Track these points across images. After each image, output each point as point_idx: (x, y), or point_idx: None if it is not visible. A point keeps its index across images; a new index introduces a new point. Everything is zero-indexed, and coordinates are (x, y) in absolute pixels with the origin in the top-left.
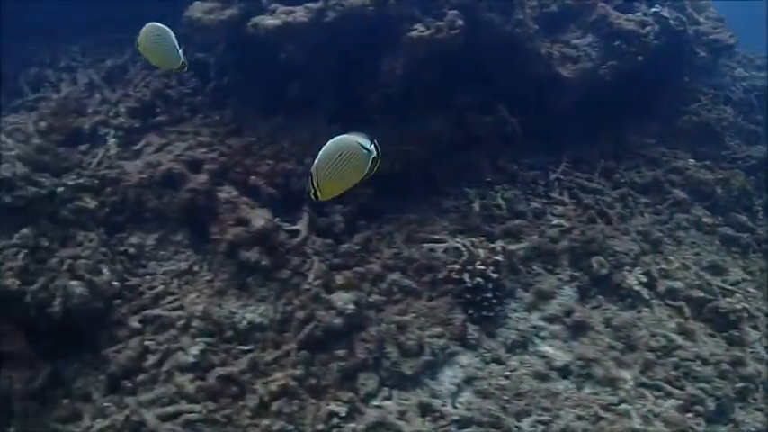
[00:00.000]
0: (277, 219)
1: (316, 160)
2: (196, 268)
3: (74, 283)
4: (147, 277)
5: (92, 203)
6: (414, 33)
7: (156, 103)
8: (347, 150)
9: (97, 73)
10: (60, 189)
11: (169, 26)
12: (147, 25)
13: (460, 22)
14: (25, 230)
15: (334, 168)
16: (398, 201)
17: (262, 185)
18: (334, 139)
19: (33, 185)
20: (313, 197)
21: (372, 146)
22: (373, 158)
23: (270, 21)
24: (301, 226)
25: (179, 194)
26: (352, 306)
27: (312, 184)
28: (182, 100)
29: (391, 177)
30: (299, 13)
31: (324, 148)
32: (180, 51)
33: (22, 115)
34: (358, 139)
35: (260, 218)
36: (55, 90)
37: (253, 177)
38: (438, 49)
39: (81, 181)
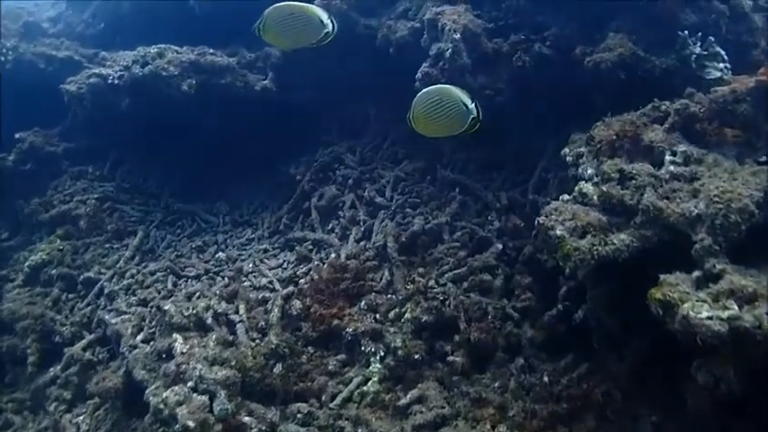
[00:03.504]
0: None
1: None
2: None
3: None
4: None
5: None
6: None
7: (456, 319)
8: (447, 99)
9: (395, 236)
10: None
11: None
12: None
13: None
14: None
15: (430, 108)
16: None
17: None
18: (440, 85)
19: None
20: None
21: (473, 105)
22: (472, 118)
23: (712, 325)
24: None
25: None
26: None
27: (410, 113)
28: (504, 315)
29: None
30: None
31: (428, 88)
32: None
33: (289, 270)
34: (461, 93)
35: None
36: (340, 236)
37: None
38: None
39: None
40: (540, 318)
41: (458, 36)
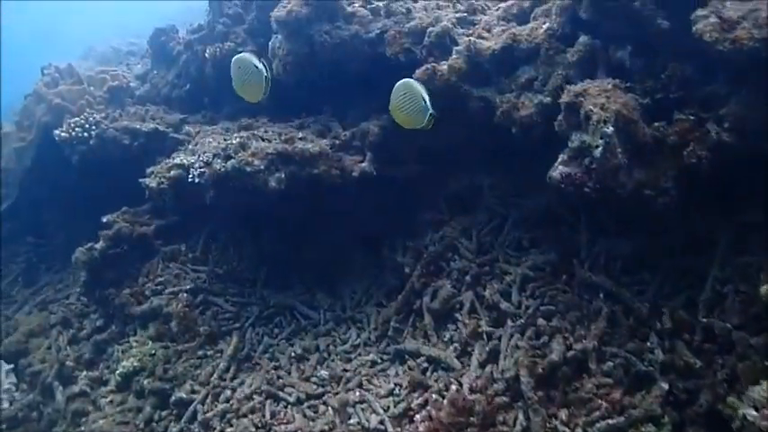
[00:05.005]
0: None
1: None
2: None
3: None
4: None
5: None
6: None
7: None
8: (410, 95)
9: (529, 367)
10: None
11: None
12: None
13: None
14: None
15: (400, 102)
16: None
17: None
18: (410, 81)
19: None
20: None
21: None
22: (430, 114)
23: None
24: None
25: None
26: None
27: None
28: None
29: None
30: None
31: (401, 81)
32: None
33: (402, 400)
34: (423, 92)
35: None
36: (460, 352)
37: None
38: None
39: None
40: None
41: (610, 130)
